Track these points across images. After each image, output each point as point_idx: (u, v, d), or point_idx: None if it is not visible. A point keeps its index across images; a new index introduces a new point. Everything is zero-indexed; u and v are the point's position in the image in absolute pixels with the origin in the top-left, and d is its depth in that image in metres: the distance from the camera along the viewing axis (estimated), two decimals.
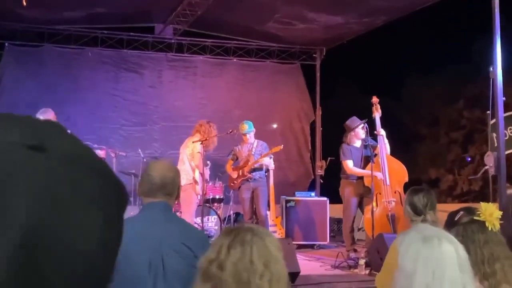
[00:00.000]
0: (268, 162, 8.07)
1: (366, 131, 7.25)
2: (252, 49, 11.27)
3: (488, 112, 7.45)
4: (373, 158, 6.92)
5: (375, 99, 7.30)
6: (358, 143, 7.39)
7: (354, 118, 7.42)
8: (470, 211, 2.22)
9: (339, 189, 7.59)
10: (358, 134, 7.32)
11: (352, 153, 7.31)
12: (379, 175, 6.91)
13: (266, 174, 8.22)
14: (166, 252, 2.57)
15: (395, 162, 7.18)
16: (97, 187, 0.50)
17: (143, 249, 2.55)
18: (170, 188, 2.72)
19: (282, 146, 8.15)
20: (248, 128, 8.08)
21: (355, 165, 7.28)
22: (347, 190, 7.39)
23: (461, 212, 2.23)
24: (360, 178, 7.20)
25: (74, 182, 0.48)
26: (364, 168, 7.21)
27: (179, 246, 2.59)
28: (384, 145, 7.08)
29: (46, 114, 6.69)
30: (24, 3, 7.25)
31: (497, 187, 7.29)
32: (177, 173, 2.83)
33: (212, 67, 11.12)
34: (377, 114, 7.23)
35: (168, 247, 2.58)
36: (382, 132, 7.13)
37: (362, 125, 7.26)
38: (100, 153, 6.26)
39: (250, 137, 8.11)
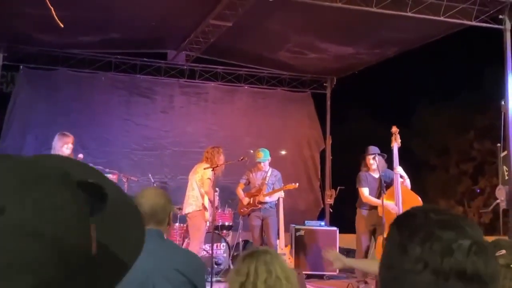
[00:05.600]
0: (276, 197, 8.08)
1: (378, 163, 7.19)
2: (263, 77, 11.34)
3: (498, 144, 7.43)
4: (384, 189, 6.87)
5: (394, 129, 7.14)
6: (376, 173, 7.32)
7: (370, 147, 7.38)
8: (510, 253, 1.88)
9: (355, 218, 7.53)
10: (368, 164, 7.29)
11: (368, 181, 7.27)
12: (393, 208, 6.84)
13: (276, 202, 8.21)
14: (157, 281, 2.55)
15: (411, 194, 7.09)
16: (32, 252, 0.54)
17: (134, 279, 2.53)
18: (161, 215, 2.70)
19: (297, 185, 8.13)
20: (263, 157, 8.07)
21: (370, 193, 7.21)
22: (358, 222, 7.36)
23: (503, 252, 1.85)
24: (374, 208, 7.14)
25: (10, 250, 0.54)
26: (379, 198, 7.15)
27: (171, 272, 2.57)
28: (398, 182, 6.97)
29: (63, 140, 6.74)
30: (61, 25, 7.28)
31: (507, 220, 7.24)
32: (167, 200, 2.80)
33: (223, 94, 11.19)
34: (395, 145, 7.09)
35: (160, 275, 2.56)
36: (398, 169, 6.99)
37: (373, 155, 7.24)
38: (112, 177, 6.27)
39: (265, 165, 8.12)
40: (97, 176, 0.63)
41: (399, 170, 6.99)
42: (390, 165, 7.25)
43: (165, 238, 2.81)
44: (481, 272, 0.86)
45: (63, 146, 6.71)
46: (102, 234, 0.58)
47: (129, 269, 0.65)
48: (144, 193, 2.77)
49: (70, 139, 6.77)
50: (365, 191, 7.23)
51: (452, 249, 0.87)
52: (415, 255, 0.88)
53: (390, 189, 7.02)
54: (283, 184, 8.17)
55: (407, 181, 7.17)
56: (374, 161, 7.21)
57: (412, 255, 0.88)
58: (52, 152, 6.75)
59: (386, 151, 7.33)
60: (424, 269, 0.86)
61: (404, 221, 0.98)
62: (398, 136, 7.07)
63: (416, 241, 0.89)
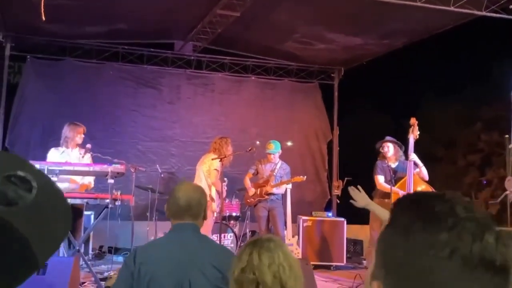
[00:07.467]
0: (284, 189, 8.06)
1: (393, 152, 7.19)
2: (271, 67, 11.30)
3: (506, 136, 7.41)
4: (393, 181, 6.87)
5: (413, 121, 7.02)
6: (391, 162, 7.29)
7: (386, 137, 7.38)
8: None
9: None
10: (383, 152, 7.28)
11: (384, 169, 7.23)
12: (401, 193, 6.86)
13: (282, 194, 8.19)
14: (193, 275, 2.56)
15: (424, 185, 7.06)
16: None
17: (171, 272, 2.56)
18: (196, 209, 2.75)
19: (304, 178, 8.09)
20: (274, 148, 8.06)
21: (386, 181, 7.18)
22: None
23: None
24: (387, 197, 7.08)
25: None
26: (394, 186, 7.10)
27: (207, 267, 2.60)
28: (412, 170, 6.92)
29: (76, 130, 6.79)
30: (43, 18, 7.34)
31: None
32: (202, 195, 2.85)
33: (230, 84, 11.16)
34: (411, 136, 7.01)
35: (196, 269, 2.58)
36: (412, 156, 6.95)
37: (384, 143, 7.25)
38: (120, 168, 6.28)
39: (275, 157, 8.10)
40: (26, 169, 0.62)
41: (413, 156, 6.92)
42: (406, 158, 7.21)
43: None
44: (508, 263, 0.84)
45: (77, 136, 6.76)
46: (23, 225, 0.58)
47: (39, 268, 0.63)
48: (180, 188, 2.83)
49: (82, 129, 6.84)
50: (380, 179, 7.23)
51: (481, 239, 0.85)
52: (442, 241, 0.85)
53: (403, 180, 6.99)
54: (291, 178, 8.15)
55: (423, 169, 7.11)
56: (387, 149, 7.20)
57: (439, 240, 0.86)
58: (63, 141, 6.80)
59: (404, 143, 7.29)
60: (451, 256, 0.84)
61: (418, 205, 0.93)
62: (416, 128, 6.95)
63: (443, 227, 0.87)
